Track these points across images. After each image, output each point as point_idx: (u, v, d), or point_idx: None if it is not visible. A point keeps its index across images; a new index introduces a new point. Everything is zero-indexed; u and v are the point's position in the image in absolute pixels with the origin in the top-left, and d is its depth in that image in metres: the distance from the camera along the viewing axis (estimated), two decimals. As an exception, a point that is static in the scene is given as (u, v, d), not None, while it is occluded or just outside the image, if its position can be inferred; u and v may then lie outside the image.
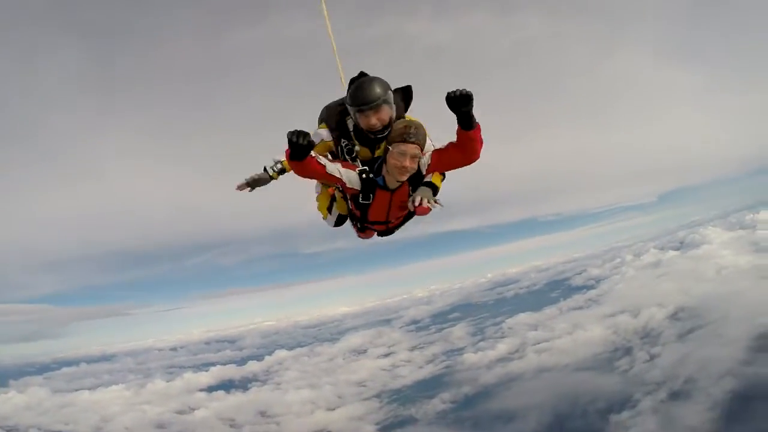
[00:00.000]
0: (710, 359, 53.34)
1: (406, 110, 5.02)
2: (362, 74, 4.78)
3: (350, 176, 4.73)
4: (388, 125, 4.62)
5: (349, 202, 5.09)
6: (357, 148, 4.87)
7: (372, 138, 4.71)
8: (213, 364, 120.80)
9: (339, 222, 5.56)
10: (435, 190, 4.96)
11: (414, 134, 4.45)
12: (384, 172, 4.72)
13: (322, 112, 5.13)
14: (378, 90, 4.50)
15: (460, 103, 4.10)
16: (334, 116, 4.91)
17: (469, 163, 4.65)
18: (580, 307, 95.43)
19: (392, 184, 4.76)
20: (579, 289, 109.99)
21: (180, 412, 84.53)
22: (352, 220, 5.43)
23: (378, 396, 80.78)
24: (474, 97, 4.10)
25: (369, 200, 4.86)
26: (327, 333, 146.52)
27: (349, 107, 4.66)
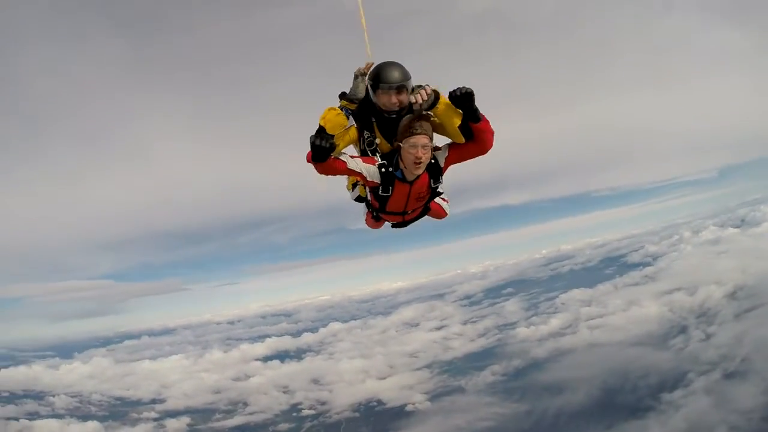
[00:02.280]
0: (768, 340, 51.74)
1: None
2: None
3: (370, 170, 5.06)
4: (402, 110, 4.91)
5: (369, 194, 5.43)
6: (377, 140, 5.16)
7: (387, 119, 4.98)
8: (269, 336, 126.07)
9: (360, 199, 6.01)
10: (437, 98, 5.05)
11: (419, 125, 4.73)
12: (402, 166, 5.00)
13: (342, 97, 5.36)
14: (401, 74, 4.79)
15: (462, 100, 4.61)
16: (356, 106, 5.14)
17: (484, 153, 5.05)
18: (636, 284, 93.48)
19: (410, 176, 5.05)
20: (635, 266, 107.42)
21: (236, 379, 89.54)
22: (367, 207, 5.78)
23: (429, 367, 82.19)
24: (475, 94, 4.57)
25: (389, 192, 5.17)
26: (380, 307, 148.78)
27: (370, 85, 4.93)
